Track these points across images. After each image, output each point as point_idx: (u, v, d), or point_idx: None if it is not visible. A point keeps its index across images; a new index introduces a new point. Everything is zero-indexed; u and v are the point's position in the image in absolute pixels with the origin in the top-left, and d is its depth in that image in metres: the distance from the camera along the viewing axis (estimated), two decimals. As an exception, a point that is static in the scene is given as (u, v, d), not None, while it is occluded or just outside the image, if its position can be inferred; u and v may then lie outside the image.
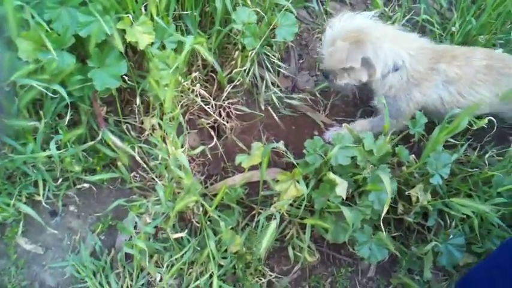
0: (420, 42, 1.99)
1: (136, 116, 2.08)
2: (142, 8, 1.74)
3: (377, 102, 2.05)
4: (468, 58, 1.95)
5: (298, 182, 1.79)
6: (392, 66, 1.94)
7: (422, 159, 1.83)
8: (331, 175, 1.73)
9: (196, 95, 1.98)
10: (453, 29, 2.31)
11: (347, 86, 2.05)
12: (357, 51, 1.86)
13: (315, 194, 1.84)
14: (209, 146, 2.10)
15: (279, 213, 1.84)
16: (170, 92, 1.58)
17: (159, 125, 1.89)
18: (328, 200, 1.82)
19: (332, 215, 1.87)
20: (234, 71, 2.12)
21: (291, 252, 1.97)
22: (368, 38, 1.86)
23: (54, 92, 1.66)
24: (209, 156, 2.13)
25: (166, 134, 1.82)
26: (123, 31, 1.69)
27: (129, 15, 1.65)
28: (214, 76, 2.17)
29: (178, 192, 1.93)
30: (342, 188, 1.72)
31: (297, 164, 1.85)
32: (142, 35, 1.68)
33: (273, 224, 1.74)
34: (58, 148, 1.83)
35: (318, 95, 2.36)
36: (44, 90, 1.61)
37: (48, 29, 1.58)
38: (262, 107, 2.27)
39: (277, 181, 1.82)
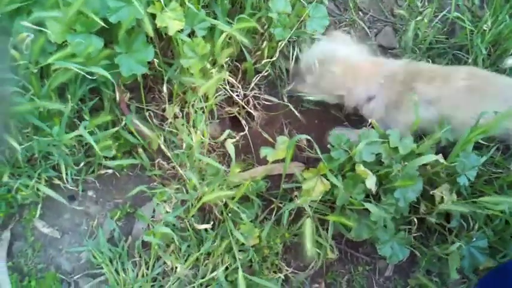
0: (391, 67, 2.00)
1: (160, 103, 2.05)
2: (174, -6, 1.71)
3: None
4: (446, 79, 1.90)
5: (324, 176, 1.76)
6: (367, 98, 1.99)
7: (451, 158, 1.79)
8: (361, 168, 1.70)
9: (224, 83, 1.95)
10: (484, 27, 2.26)
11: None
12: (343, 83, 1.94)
13: (338, 190, 1.81)
14: (232, 136, 2.07)
15: (311, 207, 1.83)
16: (214, 83, 1.58)
17: (187, 113, 1.86)
18: (351, 197, 1.79)
19: (354, 212, 1.84)
20: (263, 62, 2.08)
21: (310, 249, 1.94)
22: (340, 72, 1.94)
23: (83, 76, 1.64)
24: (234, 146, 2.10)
25: (194, 122, 1.79)
26: (153, 16, 1.66)
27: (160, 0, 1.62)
28: (239, 65, 2.13)
29: (199, 182, 1.90)
30: (371, 181, 1.70)
31: (322, 158, 1.82)
32: (172, 21, 1.64)
33: (308, 222, 1.73)
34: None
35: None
36: (82, 73, 1.59)
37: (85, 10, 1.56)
38: (285, 100, 2.24)
39: (304, 179, 1.79)
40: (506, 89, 1.91)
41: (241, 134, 2.07)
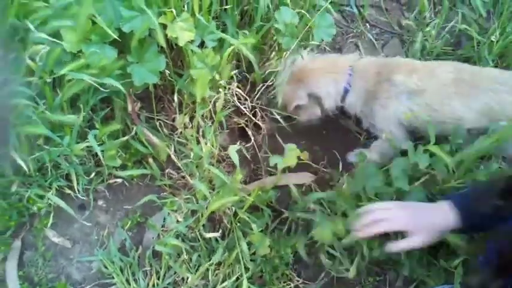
0: (362, 60, 2.07)
1: (170, 113, 2.06)
2: (185, 6, 1.73)
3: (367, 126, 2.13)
4: (431, 71, 1.95)
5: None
6: (342, 91, 2.02)
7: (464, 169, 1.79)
8: None
9: (232, 94, 1.96)
10: (492, 38, 2.28)
11: (314, 118, 2.13)
12: (301, 90, 2.01)
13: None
14: (240, 147, 2.08)
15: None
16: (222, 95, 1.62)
17: (197, 123, 1.87)
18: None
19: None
20: (267, 72, 2.10)
21: (323, 259, 1.93)
22: (306, 75, 2.01)
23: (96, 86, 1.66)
24: (239, 157, 2.10)
25: (203, 133, 1.80)
26: (164, 26, 1.68)
27: (172, 10, 1.63)
28: (248, 76, 2.15)
29: (209, 192, 1.90)
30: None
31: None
32: (183, 32, 1.66)
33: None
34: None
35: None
36: (95, 85, 1.60)
37: (99, 21, 1.58)
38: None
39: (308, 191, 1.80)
40: (494, 80, 1.92)
41: (248, 144, 2.09)
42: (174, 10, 1.65)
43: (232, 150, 1.73)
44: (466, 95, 1.90)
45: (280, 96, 2.04)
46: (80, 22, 1.51)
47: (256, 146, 2.13)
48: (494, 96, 1.87)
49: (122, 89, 1.68)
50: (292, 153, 1.77)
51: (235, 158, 1.73)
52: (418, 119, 1.94)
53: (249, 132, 2.09)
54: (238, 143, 2.11)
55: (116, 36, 1.61)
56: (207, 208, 1.78)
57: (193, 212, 1.90)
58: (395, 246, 1.52)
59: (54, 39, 1.52)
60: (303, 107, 2.07)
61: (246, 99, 2.07)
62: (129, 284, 1.86)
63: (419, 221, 1.49)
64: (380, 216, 1.52)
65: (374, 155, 2.04)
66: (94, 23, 1.59)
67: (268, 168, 2.11)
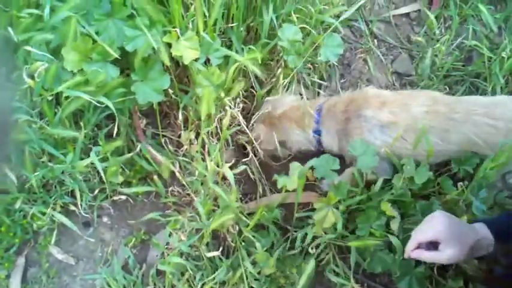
0: (330, 100, 2.04)
1: (176, 129, 2.06)
2: (190, 23, 1.72)
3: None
4: (403, 104, 1.86)
5: (336, 207, 1.74)
6: (312, 137, 2.02)
7: (471, 188, 1.76)
8: (388, 206, 1.71)
9: (238, 112, 1.94)
10: (503, 54, 2.25)
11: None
12: (272, 135, 2.02)
13: (360, 220, 1.81)
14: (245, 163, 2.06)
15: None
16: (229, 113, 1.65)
17: (202, 140, 1.85)
18: (372, 227, 1.78)
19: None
20: (273, 90, 2.09)
21: (333, 277, 1.90)
22: (278, 121, 2.04)
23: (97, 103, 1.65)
24: (245, 174, 2.10)
25: (208, 150, 1.79)
26: (169, 45, 1.67)
27: (176, 29, 1.63)
28: (254, 92, 2.13)
29: (214, 210, 1.89)
30: (396, 222, 1.72)
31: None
32: (187, 50, 1.65)
33: (311, 263, 1.74)
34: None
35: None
36: (93, 101, 1.60)
37: (98, 40, 1.58)
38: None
39: (314, 209, 1.77)
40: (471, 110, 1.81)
41: (245, 160, 2.06)
42: (178, 30, 1.64)
43: (227, 171, 1.73)
44: (443, 129, 1.82)
45: (255, 133, 2.06)
46: (69, 40, 1.51)
47: (257, 164, 2.11)
48: (472, 128, 1.79)
49: (113, 107, 1.67)
50: (297, 173, 1.74)
51: (231, 177, 1.74)
52: (396, 151, 1.87)
53: (250, 151, 2.07)
54: (242, 160, 2.09)
55: (116, 55, 1.61)
56: (209, 227, 1.77)
57: (198, 231, 1.88)
58: (418, 254, 1.40)
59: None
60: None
61: (251, 116, 2.06)
62: (133, 303, 1.85)
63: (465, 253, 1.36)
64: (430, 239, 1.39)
65: (345, 179, 1.99)
66: (95, 41, 1.59)
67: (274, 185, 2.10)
